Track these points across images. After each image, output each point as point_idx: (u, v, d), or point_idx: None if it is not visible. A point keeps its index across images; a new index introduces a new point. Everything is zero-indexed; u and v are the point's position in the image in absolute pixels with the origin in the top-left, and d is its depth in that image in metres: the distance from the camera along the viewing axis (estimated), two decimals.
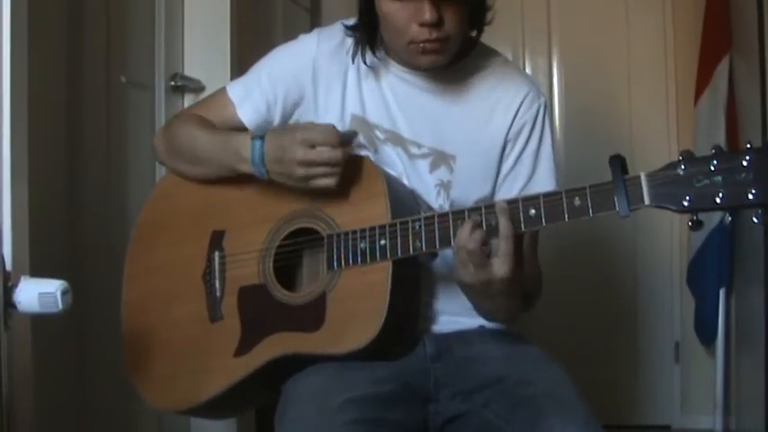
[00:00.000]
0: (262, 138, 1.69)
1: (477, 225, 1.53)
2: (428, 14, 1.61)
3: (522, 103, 1.81)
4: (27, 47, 1.87)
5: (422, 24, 1.63)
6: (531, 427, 1.52)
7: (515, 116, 1.80)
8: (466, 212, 1.57)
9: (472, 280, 1.53)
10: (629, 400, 4.17)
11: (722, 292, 3.84)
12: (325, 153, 1.63)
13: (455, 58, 1.78)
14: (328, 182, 1.65)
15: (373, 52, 1.80)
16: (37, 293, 1.49)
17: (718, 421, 3.92)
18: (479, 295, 1.60)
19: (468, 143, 1.79)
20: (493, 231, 1.53)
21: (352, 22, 1.83)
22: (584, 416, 1.52)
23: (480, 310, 1.70)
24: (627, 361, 4.21)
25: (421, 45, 1.66)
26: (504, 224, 1.51)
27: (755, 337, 3.46)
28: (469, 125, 1.80)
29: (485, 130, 1.80)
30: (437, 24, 1.63)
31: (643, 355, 4.22)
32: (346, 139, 1.67)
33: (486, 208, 1.55)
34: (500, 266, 1.51)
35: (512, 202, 1.54)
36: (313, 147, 1.62)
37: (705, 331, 3.93)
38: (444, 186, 1.79)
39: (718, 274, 3.81)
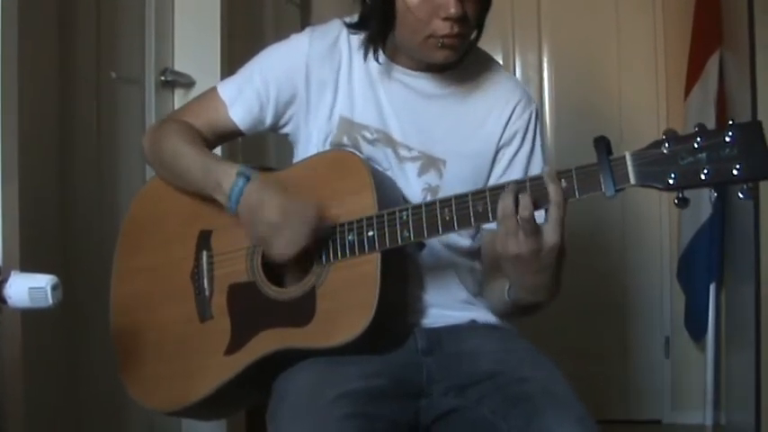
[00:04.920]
0: (247, 177, 1.68)
1: (521, 192, 1.48)
2: (453, 9, 1.61)
3: (514, 109, 1.82)
4: (17, 42, 1.87)
5: (445, 19, 1.63)
6: (527, 423, 1.52)
7: (507, 123, 1.81)
8: (453, 200, 1.56)
9: (521, 249, 1.48)
10: (620, 394, 4.19)
11: (712, 287, 3.85)
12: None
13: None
14: (285, 251, 1.64)
15: (383, 50, 1.79)
16: (27, 288, 1.49)
17: (708, 416, 3.94)
18: (524, 268, 1.53)
19: (460, 148, 1.80)
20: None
21: (350, 19, 1.82)
22: (579, 413, 1.53)
23: (520, 290, 1.62)
24: (617, 356, 4.23)
25: (440, 40, 1.66)
26: (554, 190, 1.46)
27: (746, 331, 3.46)
28: (461, 130, 1.81)
29: (477, 136, 1.81)
30: (460, 19, 1.64)
31: (633, 350, 4.23)
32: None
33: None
34: (551, 234, 1.47)
35: (497, 188, 1.52)
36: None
37: (695, 326, 3.95)
38: (432, 191, 1.79)
39: (709, 269, 3.83)
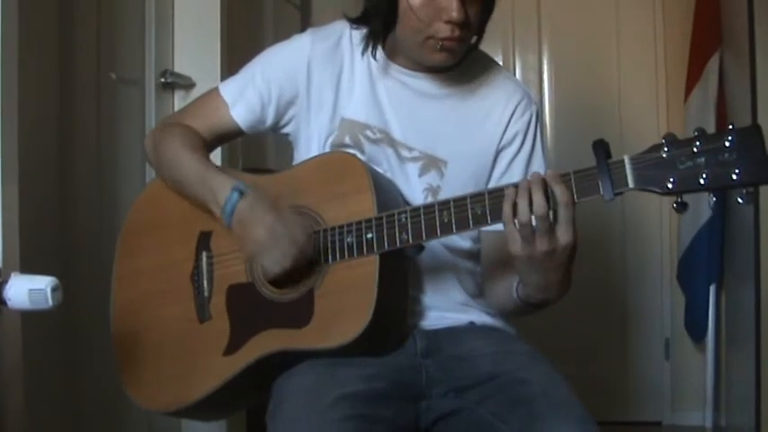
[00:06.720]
0: (241, 192, 1.68)
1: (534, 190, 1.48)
2: (456, 13, 1.62)
3: (514, 110, 1.82)
4: (18, 44, 1.87)
5: (447, 22, 1.64)
6: (527, 425, 1.52)
7: (508, 123, 1.81)
8: (451, 203, 1.56)
9: (534, 252, 1.49)
10: (620, 396, 4.18)
11: (712, 289, 3.85)
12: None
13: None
14: (272, 269, 1.66)
15: (383, 47, 1.80)
16: (27, 290, 1.48)
17: (708, 417, 3.93)
18: (537, 267, 1.53)
19: (461, 149, 1.80)
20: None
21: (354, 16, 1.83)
22: (579, 414, 1.52)
23: (531, 288, 1.62)
24: (617, 357, 4.23)
25: (440, 42, 1.67)
26: (561, 191, 1.46)
27: (745, 333, 3.46)
28: (462, 131, 1.81)
29: (477, 137, 1.81)
30: (462, 24, 1.64)
31: (633, 352, 4.23)
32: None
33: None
34: (564, 234, 1.47)
35: (496, 191, 1.53)
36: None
37: (695, 327, 3.95)
38: (433, 191, 1.79)
39: (709, 270, 3.82)
